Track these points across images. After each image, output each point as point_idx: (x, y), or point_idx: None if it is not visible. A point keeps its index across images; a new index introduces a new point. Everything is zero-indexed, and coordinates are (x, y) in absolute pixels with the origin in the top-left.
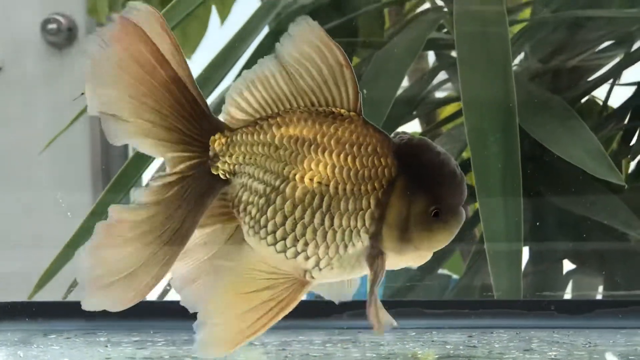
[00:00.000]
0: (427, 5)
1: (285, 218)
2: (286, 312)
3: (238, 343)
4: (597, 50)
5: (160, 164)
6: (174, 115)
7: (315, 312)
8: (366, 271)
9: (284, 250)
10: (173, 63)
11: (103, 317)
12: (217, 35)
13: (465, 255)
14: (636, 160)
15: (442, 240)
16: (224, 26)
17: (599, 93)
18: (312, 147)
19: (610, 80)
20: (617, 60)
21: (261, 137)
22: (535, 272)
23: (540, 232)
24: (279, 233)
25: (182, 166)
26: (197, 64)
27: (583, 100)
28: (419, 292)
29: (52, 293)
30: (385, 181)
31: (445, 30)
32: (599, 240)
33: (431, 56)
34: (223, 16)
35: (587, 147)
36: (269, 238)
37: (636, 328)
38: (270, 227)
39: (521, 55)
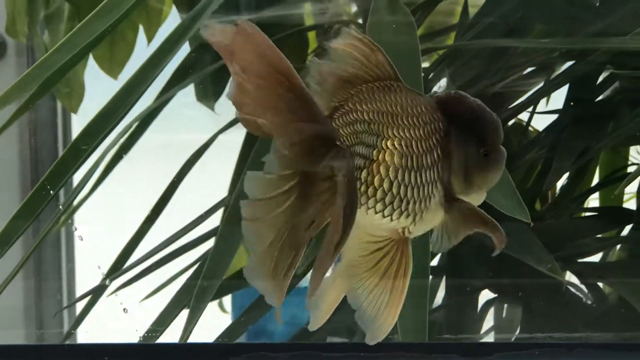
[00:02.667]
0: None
1: (390, 183)
2: (410, 267)
3: (391, 318)
4: (518, 77)
5: None
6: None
7: None
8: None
9: (391, 214)
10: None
11: None
12: (144, 55)
13: None
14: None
15: (495, 177)
16: (151, 45)
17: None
18: (390, 116)
19: (531, 107)
20: (539, 86)
21: (355, 115)
22: (449, 305)
23: (456, 265)
24: (387, 198)
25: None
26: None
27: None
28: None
29: None
30: (443, 133)
31: None
32: (516, 274)
33: None
34: (150, 36)
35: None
36: (378, 205)
37: None
38: (379, 194)
39: (442, 82)
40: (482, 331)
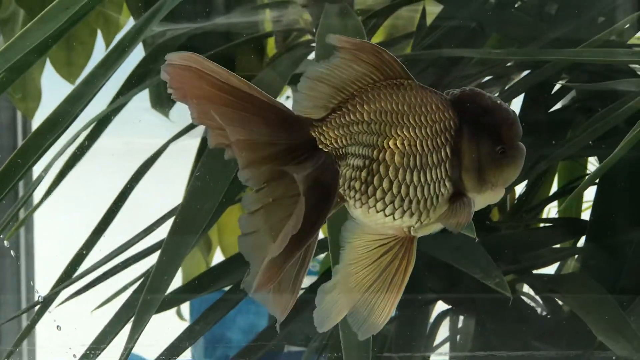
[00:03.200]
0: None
1: (390, 182)
2: (412, 265)
3: (387, 311)
4: (474, 85)
5: None
6: (263, 128)
7: None
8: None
9: (393, 213)
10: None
11: None
12: None
13: None
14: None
15: (513, 174)
16: None
17: None
18: (394, 115)
19: None
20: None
21: (352, 117)
22: (401, 317)
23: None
24: (387, 197)
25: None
26: None
27: None
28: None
29: None
30: (453, 131)
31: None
32: (471, 285)
33: None
34: (108, 41)
35: None
36: (379, 205)
37: None
38: (379, 194)
39: None
40: (436, 343)
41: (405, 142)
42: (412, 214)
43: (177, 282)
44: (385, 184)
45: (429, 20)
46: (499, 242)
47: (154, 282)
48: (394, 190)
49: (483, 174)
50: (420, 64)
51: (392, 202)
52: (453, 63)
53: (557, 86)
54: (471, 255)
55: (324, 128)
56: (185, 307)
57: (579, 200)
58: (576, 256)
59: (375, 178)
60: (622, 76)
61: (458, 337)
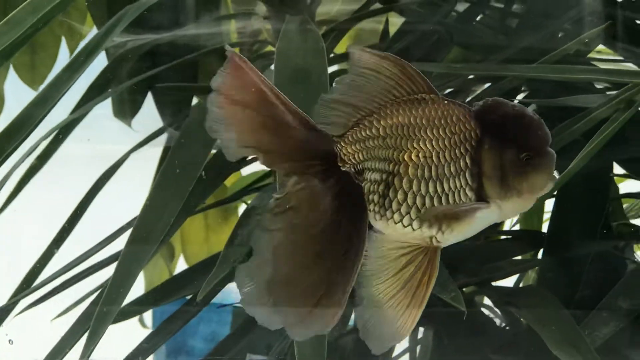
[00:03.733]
0: None
1: (405, 194)
2: (434, 277)
3: (410, 323)
4: None
5: None
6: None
7: None
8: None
9: (410, 223)
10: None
11: None
12: None
13: None
14: None
15: (540, 181)
16: None
17: None
18: (410, 129)
19: None
20: None
21: (369, 132)
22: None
23: None
24: (403, 209)
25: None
26: None
27: None
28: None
29: None
30: (474, 142)
31: None
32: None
33: None
34: (72, 47)
35: None
36: (396, 216)
37: None
38: (395, 206)
39: None
40: (395, 354)
41: (420, 154)
42: (431, 225)
43: (139, 290)
44: (400, 196)
45: (392, 31)
46: (459, 254)
47: (110, 293)
48: (409, 201)
49: (506, 181)
50: None
51: (408, 213)
52: None
53: (516, 100)
54: None
55: (342, 144)
56: (148, 316)
57: (540, 212)
58: (533, 269)
59: (391, 190)
60: (582, 89)
61: (418, 348)
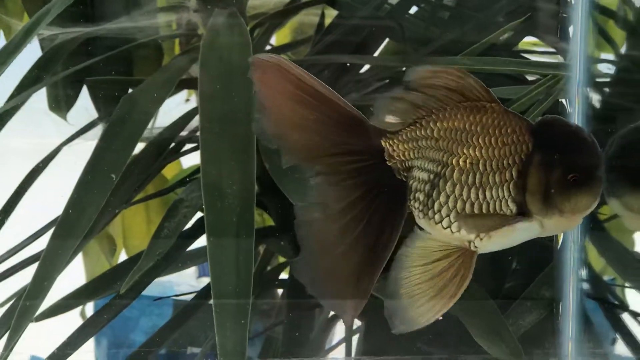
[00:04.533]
0: None
1: (447, 197)
2: (467, 280)
3: (431, 314)
4: (370, 90)
5: None
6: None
7: None
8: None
9: (449, 226)
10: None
11: None
12: None
13: None
14: None
15: (584, 203)
16: None
17: None
18: (463, 134)
19: None
20: None
21: (423, 132)
22: (289, 321)
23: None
24: (444, 211)
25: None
26: None
27: None
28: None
29: None
30: (524, 155)
31: None
32: None
33: None
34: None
35: None
36: (437, 217)
37: None
38: (437, 207)
39: None
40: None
41: (468, 160)
42: (469, 229)
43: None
44: (442, 198)
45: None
46: None
47: (33, 288)
48: (450, 204)
49: (550, 199)
50: (317, 67)
51: (448, 215)
52: (346, 68)
53: None
54: None
55: (395, 140)
56: (89, 308)
57: None
58: None
59: (435, 192)
60: (516, 81)
61: (353, 339)
